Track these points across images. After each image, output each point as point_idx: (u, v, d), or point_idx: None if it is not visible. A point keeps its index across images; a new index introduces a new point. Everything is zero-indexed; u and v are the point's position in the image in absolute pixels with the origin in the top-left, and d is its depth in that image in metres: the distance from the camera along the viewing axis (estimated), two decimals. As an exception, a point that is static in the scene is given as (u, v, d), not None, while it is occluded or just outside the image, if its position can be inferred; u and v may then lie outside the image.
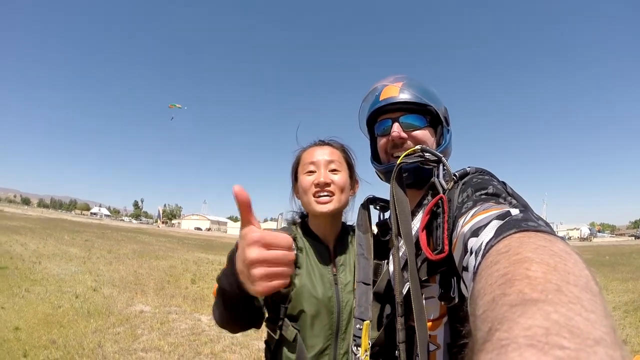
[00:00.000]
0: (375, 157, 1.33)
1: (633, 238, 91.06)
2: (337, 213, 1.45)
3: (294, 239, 1.40)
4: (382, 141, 1.26)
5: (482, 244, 0.59)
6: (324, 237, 1.45)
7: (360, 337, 1.15)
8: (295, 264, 1.34)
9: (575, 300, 0.34)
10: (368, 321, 1.15)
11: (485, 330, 0.36)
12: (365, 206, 1.38)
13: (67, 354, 4.51)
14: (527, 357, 0.28)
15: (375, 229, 1.37)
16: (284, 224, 1.58)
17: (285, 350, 1.35)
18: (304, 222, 1.50)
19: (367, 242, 1.31)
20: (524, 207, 0.73)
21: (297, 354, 1.31)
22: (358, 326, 1.17)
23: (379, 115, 1.28)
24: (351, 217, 1.52)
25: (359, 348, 1.14)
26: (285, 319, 1.35)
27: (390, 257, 1.17)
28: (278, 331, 1.35)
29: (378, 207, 1.38)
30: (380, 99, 1.25)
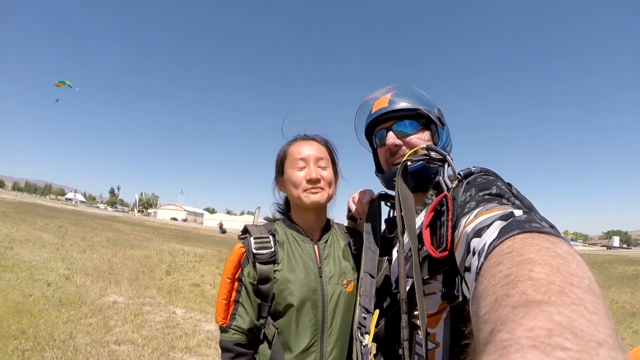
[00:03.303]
0: (379, 169, 1.36)
1: (605, 248, 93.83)
2: (323, 206, 1.48)
3: (274, 234, 1.43)
4: (381, 152, 1.30)
5: (485, 244, 0.59)
6: (308, 230, 1.48)
7: (365, 326, 1.15)
8: (276, 259, 1.36)
9: (578, 301, 0.34)
10: (377, 310, 1.16)
11: (488, 331, 0.36)
12: (376, 205, 1.39)
13: (37, 345, 4.38)
14: (529, 358, 0.28)
15: (383, 226, 1.39)
16: (261, 218, 1.60)
17: (263, 348, 1.37)
18: (287, 216, 1.53)
19: (374, 239, 1.33)
20: (528, 209, 0.74)
21: (273, 353, 1.33)
22: (363, 315, 1.18)
23: (375, 127, 1.32)
24: (333, 210, 1.58)
25: (365, 336, 1.14)
26: (269, 318, 1.38)
27: (394, 254, 1.18)
28: (262, 330, 1.38)
29: (389, 204, 1.40)
30: (372, 112, 1.30)
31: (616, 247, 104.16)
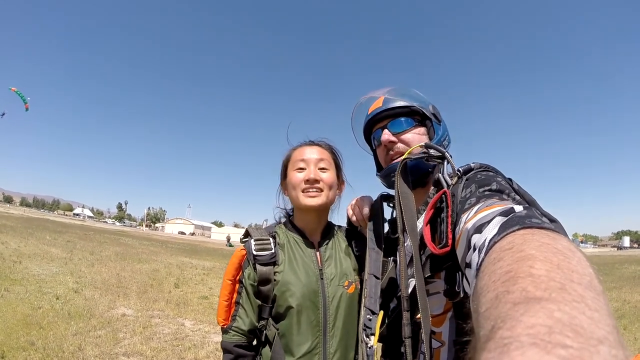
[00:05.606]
0: (379, 169, 1.37)
1: (615, 249, 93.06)
2: (324, 209, 1.49)
3: (275, 236, 1.44)
4: (379, 151, 1.32)
5: (485, 240, 0.59)
6: (309, 232, 1.49)
7: (370, 328, 1.15)
8: (276, 261, 1.37)
9: (579, 298, 0.34)
10: (382, 312, 1.16)
11: (488, 328, 0.36)
12: (378, 206, 1.39)
13: (46, 357, 4.39)
14: (529, 356, 0.28)
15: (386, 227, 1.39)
16: None
17: (265, 350, 1.38)
18: (289, 219, 1.54)
19: (378, 240, 1.32)
20: (529, 204, 0.74)
21: (274, 354, 1.33)
22: (368, 316, 1.18)
23: (372, 128, 1.35)
24: (337, 216, 1.59)
25: (371, 337, 1.14)
26: (269, 319, 1.38)
27: (397, 253, 1.18)
28: (264, 332, 1.38)
29: (391, 205, 1.39)
30: (368, 113, 1.33)
31: (627, 247, 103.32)
